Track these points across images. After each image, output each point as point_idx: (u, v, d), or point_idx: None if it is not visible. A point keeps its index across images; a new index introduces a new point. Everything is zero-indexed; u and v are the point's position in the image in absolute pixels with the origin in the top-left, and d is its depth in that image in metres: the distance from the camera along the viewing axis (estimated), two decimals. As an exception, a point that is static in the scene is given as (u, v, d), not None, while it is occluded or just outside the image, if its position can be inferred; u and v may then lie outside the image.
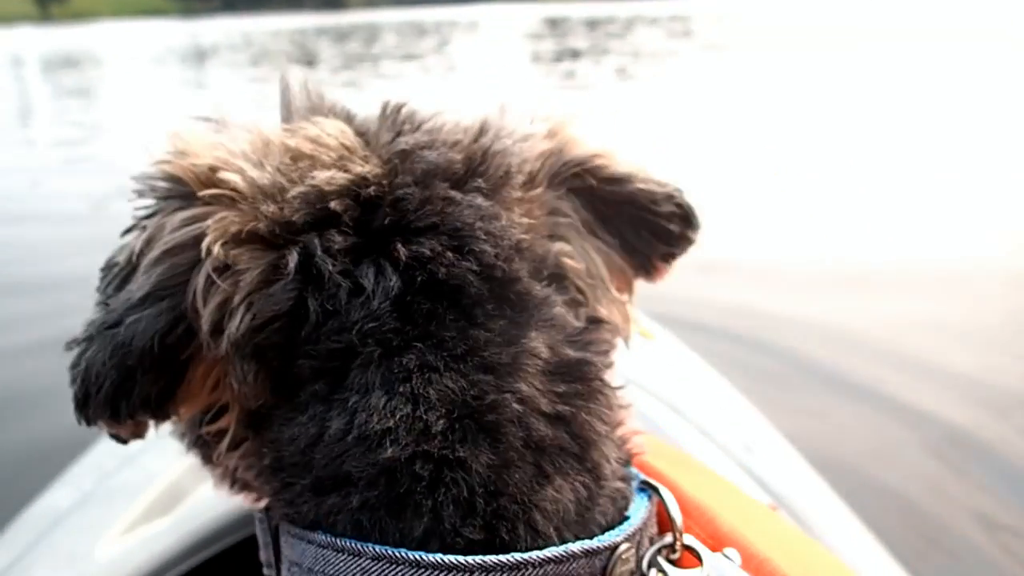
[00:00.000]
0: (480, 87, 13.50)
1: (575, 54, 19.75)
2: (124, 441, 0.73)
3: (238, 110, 0.76)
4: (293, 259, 0.62)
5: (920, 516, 2.59)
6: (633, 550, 0.62)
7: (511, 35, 31.57)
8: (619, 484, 0.66)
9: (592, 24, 33.74)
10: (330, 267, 0.62)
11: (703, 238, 0.80)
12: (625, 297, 0.79)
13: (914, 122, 8.57)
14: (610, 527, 0.63)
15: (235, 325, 0.62)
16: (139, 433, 0.71)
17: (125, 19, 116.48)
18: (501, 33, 33.29)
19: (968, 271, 4.44)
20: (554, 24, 35.68)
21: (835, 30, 23.92)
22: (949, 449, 2.91)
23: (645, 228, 0.78)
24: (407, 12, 78.62)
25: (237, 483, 0.74)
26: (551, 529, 0.60)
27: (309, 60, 21.79)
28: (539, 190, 0.73)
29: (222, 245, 0.62)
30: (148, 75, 20.15)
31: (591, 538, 0.61)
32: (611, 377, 0.69)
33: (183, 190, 0.66)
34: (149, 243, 0.65)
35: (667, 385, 1.94)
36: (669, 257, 0.79)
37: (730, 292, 4.16)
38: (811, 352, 3.57)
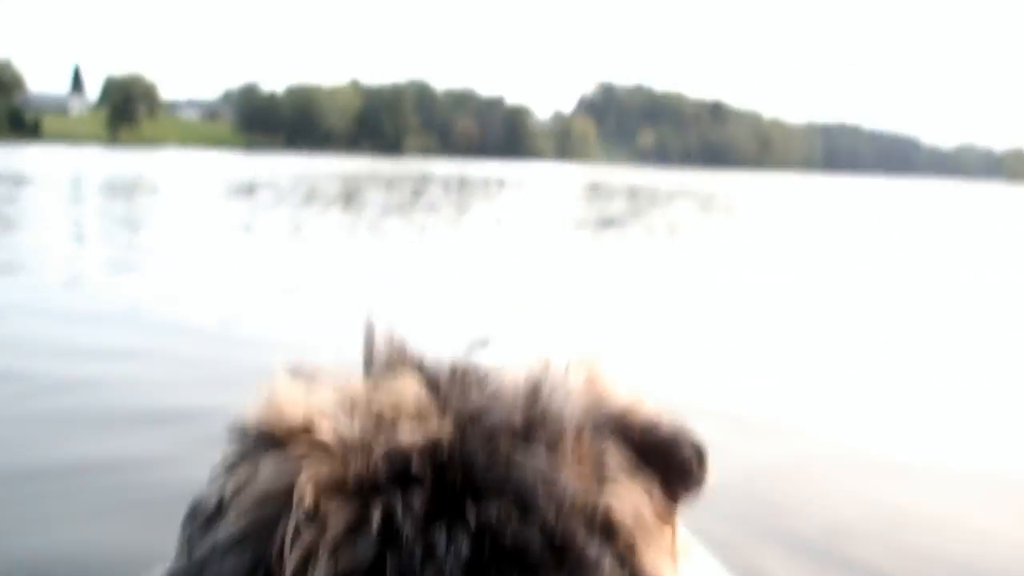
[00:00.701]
0: (522, 249, 13.59)
1: (615, 222, 20.04)
2: None
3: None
4: (376, 514, 0.66)
5: None
6: None
7: (557, 196, 32.39)
8: None
9: (633, 193, 34.60)
10: (408, 528, 0.66)
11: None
12: (669, 532, 0.82)
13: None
14: None
15: (318, 573, 0.64)
16: None
17: (191, 148, 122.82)
18: (546, 194, 34.21)
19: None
20: (597, 189, 36.65)
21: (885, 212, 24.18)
22: None
23: (672, 469, 0.83)
24: (459, 165, 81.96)
25: None
26: None
27: (358, 204, 22.37)
28: (586, 443, 0.78)
29: (312, 493, 0.66)
30: (202, 207, 20.72)
31: None
32: None
33: (274, 440, 0.70)
34: (239, 489, 0.69)
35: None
36: (686, 493, 0.84)
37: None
38: None
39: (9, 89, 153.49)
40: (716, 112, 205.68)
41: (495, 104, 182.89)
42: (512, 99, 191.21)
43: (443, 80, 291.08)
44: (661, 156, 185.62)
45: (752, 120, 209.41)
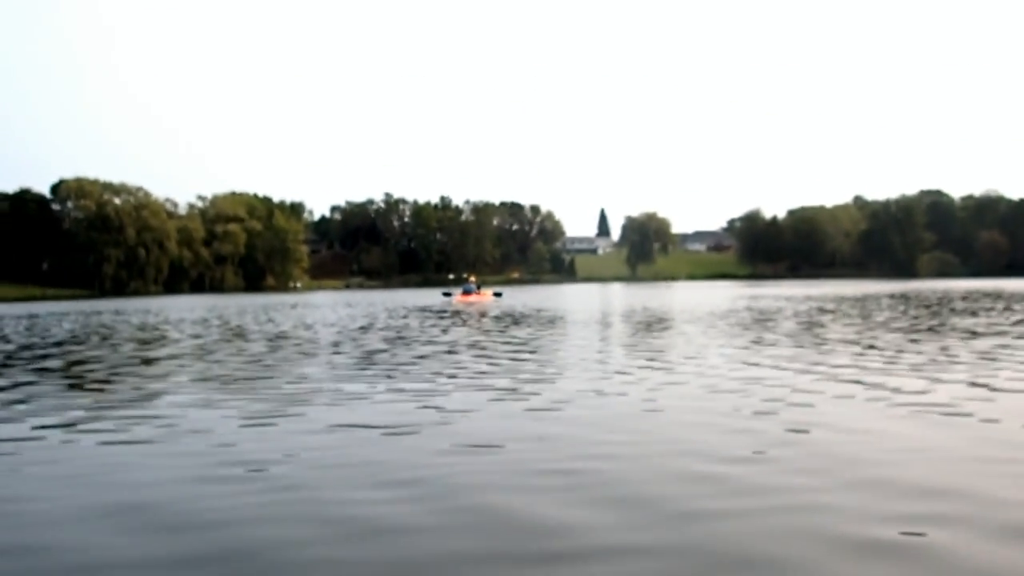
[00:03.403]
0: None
1: None
2: None
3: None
4: None
5: None
6: None
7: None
8: None
9: None
10: None
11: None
12: None
13: None
14: None
15: None
16: None
17: (699, 280, 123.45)
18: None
19: None
20: None
21: None
22: None
23: None
24: (978, 284, 71.21)
25: None
26: None
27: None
28: None
29: None
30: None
31: None
32: None
33: None
34: None
35: None
36: None
37: None
38: None
39: (553, 236, 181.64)
40: None
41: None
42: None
43: (956, 186, 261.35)
44: None
45: None
